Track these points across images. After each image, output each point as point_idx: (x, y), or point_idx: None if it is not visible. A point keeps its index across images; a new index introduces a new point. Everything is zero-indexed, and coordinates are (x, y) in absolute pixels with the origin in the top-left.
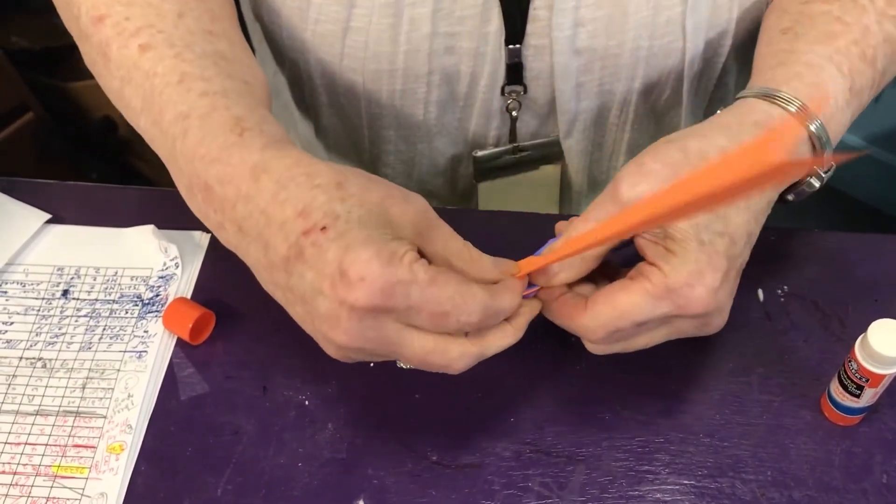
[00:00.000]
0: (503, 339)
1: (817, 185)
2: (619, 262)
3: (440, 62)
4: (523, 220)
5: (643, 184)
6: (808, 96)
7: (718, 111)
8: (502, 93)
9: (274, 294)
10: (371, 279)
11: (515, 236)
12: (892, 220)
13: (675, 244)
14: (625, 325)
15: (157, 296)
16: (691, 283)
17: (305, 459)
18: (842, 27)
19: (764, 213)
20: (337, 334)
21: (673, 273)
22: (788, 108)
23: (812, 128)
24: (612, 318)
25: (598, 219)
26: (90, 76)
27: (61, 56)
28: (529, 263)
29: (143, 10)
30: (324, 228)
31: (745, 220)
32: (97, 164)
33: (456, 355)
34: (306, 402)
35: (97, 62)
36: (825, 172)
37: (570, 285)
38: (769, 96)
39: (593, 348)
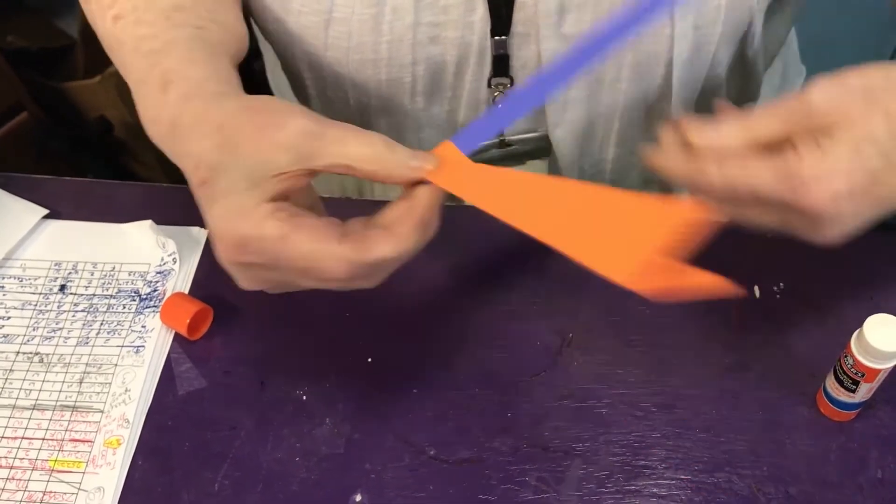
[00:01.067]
0: (382, 246)
1: None
2: None
3: (425, 52)
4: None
5: (836, 89)
6: None
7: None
8: (489, 85)
9: None
10: (223, 237)
11: (503, 234)
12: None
13: (829, 141)
14: (742, 190)
15: (155, 291)
16: (821, 177)
17: (303, 454)
18: None
19: None
20: (236, 281)
21: (810, 161)
22: None
23: None
24: (737, 174)
25: (778, 106)
26: (86, 76)
27: (57, 56)
28: (449, 151)
29: None
30: (205, 182)
31: None
32: (93, 165)
33: (332, 265)
34: (304, 398)
35: (98, 39)
36: None
37: None
38: None
39: (710, 174)
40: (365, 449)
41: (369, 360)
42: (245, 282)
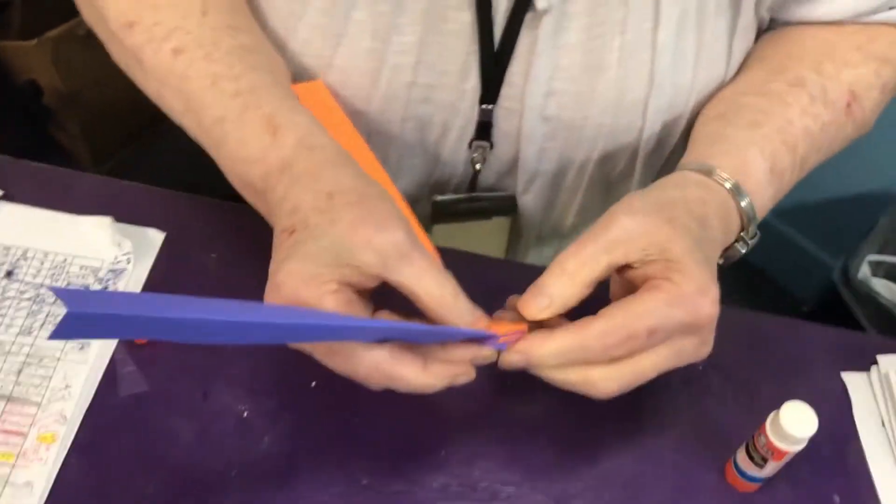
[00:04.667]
0: (412, 375)
1: (743, 250)
2: None
3: (416, 110)
4: (474, 261)
5: (639, 215)
6: (734, 173)
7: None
8: (469, 146)
9: None
10: (284, 290)
11: (463, 275)
12: (786, 289)
13: (677, 263)
14: (640, 330)
15: (106, 289)
16: (702, 291)
17: (239, 470)
18: (767, 118)
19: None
20: None
21: (685, 283)
22: (724, 185)
23: (743, 204)
24: (628, 318)
25: (596, 243)
26: (21, 37)
27: None
28: (508, 325)
29: (170, 13)
30: (293, 231)
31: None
32: (15, 130)
33: (359, 364)
34: (245, 414)
35: (131, 66)
36: (751, 239)
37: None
38: (705, 172)
39: (605, 383)
40: (301, 471)
41: (314, 384)
42: None
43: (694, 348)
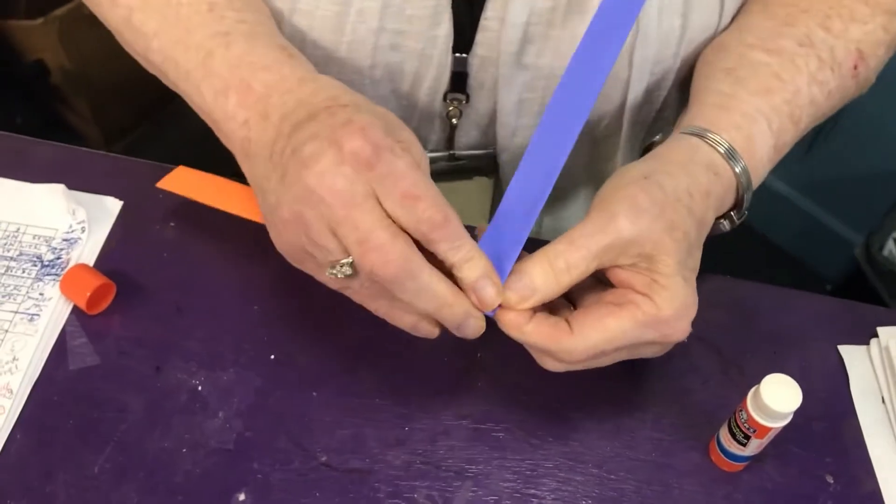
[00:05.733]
0: (439, 282)
1: (727, 228)
2: None
3: (384, 58)
4: None
5: (641, 220)
6: (741, 148)
7: (657, 138)
8: (444, 99)
9: (257, 182)
10: (370, 133)
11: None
12: (809, 268)
13: (665, 279)
14: (609, 350)
15: (59, 258)
16: (680, 315)
17: (191, 446)
18: (779, 84)
19: None
20: (310, 173)
21: (665, 305)
22: (718, 148)
23: (737, 170)
24: (600, 341)
25: (588, 248)
26: (27, 16)
27: None
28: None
29: None
30: (345, 105)
31: (700, 256)
32: (23, 109)
33: (398, 250)
34: (199, 388)
35: None
36: (738, 218)
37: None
38: (705, 138)
39: (556, 366)
40: (255, 447)
41: (272, 356)
42: (326, 179)
43: (652, 353)
